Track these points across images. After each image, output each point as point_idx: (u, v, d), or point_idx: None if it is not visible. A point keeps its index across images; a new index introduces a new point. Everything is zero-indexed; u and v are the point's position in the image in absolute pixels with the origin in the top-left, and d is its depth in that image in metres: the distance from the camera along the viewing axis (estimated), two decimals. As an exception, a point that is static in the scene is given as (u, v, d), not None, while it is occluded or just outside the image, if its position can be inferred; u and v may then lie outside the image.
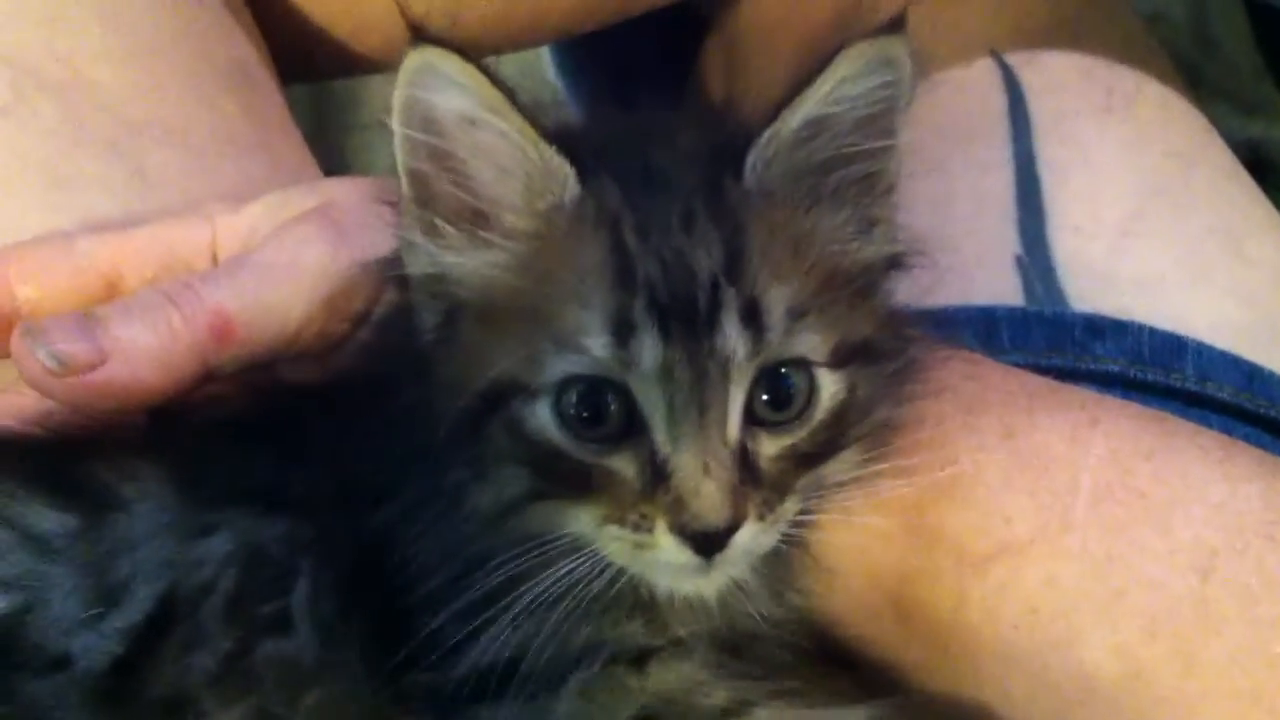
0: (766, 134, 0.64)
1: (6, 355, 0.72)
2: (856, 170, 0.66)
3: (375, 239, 0.68)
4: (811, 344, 0.63)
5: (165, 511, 0.68)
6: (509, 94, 0.62)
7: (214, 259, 0.76)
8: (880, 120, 0.65)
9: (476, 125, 0.63)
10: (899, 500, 0.68)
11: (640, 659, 0.66)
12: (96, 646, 0.65)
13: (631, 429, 0.62)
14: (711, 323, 0.61)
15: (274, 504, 0.68)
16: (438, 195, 0.64)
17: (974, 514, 0.69)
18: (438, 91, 0.62)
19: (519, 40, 1.17)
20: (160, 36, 0.91)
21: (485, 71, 0.62)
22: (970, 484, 0.69)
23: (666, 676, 0.66)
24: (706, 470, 0.61)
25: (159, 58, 0.90)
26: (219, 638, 0.65)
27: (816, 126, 0.64)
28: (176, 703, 0.65)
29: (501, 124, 0.62)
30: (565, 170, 0.63)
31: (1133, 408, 0.74)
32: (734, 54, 1.28)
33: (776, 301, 0.62)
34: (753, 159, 0.64)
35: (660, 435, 0.62)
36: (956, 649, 0.70)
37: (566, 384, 0.62)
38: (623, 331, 0.61)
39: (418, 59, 0.62)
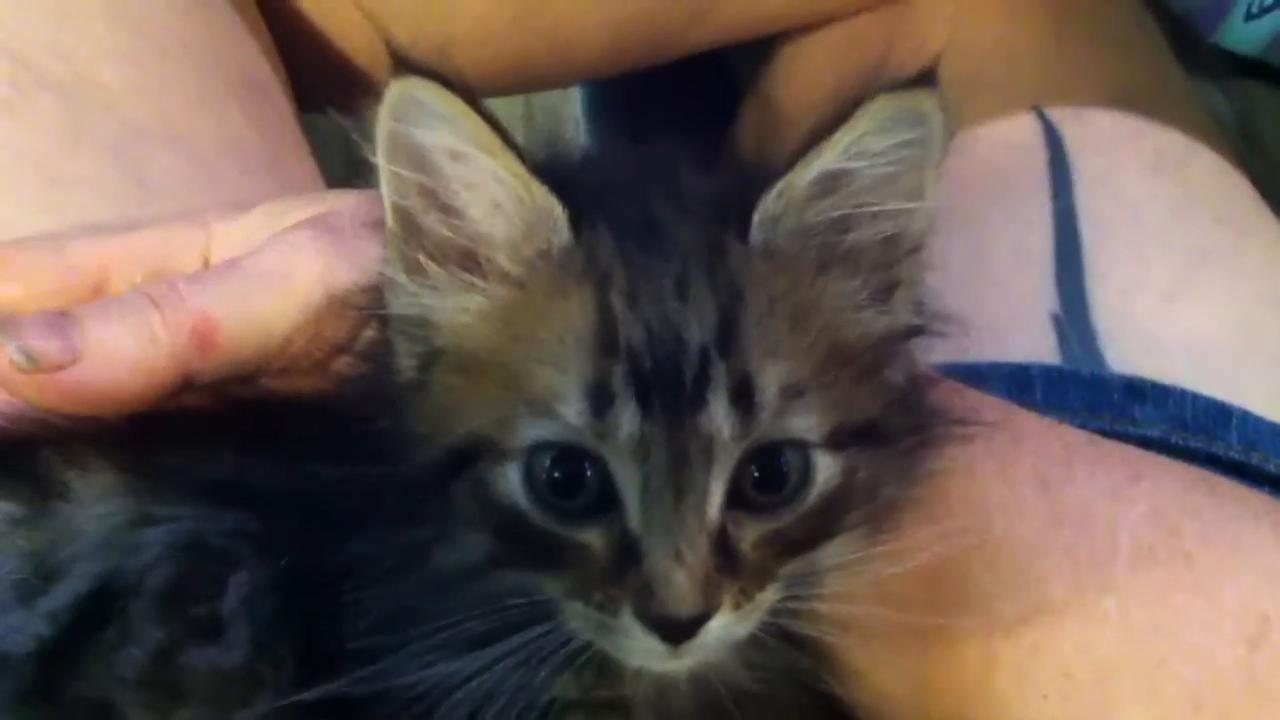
0: (777, 187, 0.59)
1: None
2: (874, 233, 0.61)
3: (374, 252, 0.64)
4: (807, 425, 0.58)
5: (110, 500, 0.64)
6: (498, 128, 0.58)
7: (206, 265, 0.72)
8: (904, 179, 0.60)
9: (463, 161, 0.59)
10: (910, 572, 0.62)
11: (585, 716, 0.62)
12: (23, 627, 0.61)
13: (605, 503, 0.58)
14: (697, 399, 0.57)
15: (227, 500, 0.64)
16: (424, 231, 0.60)
17: (1004, 572, 0.64)
18: (421, 125, 0.58)
19: (547, 78, 1.14)
20: (169, 40, 0.88)
21: (472, 103, 0.58)
22: (1000, 541, 0.65)
23: None
24: (679, 557, 0.56)
25: (166, 61, 0.87)
26: (149, 633, 0.61)
27: (832, 182, 0.59)
28: (103, 705, 0.61)
29: (489, 161, 0.58)
30: (557, 213, 0.59)
31: (1178, 466, 0.70)
32: (768, 115, 1.25)
33: (771, 379, 0.57)
34: (760, 214, 0.59)
35: (633, 515, 0.57)
36: (982, 717, 0.65)
37: (538, 449, 0.58)
38: (600, 400, 0.57)
39: (399, 90, 0.58)
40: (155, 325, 0.66)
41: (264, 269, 0.68)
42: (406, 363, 0.62)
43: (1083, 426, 0.75)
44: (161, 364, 0.66)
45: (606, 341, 0.57)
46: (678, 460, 0.56)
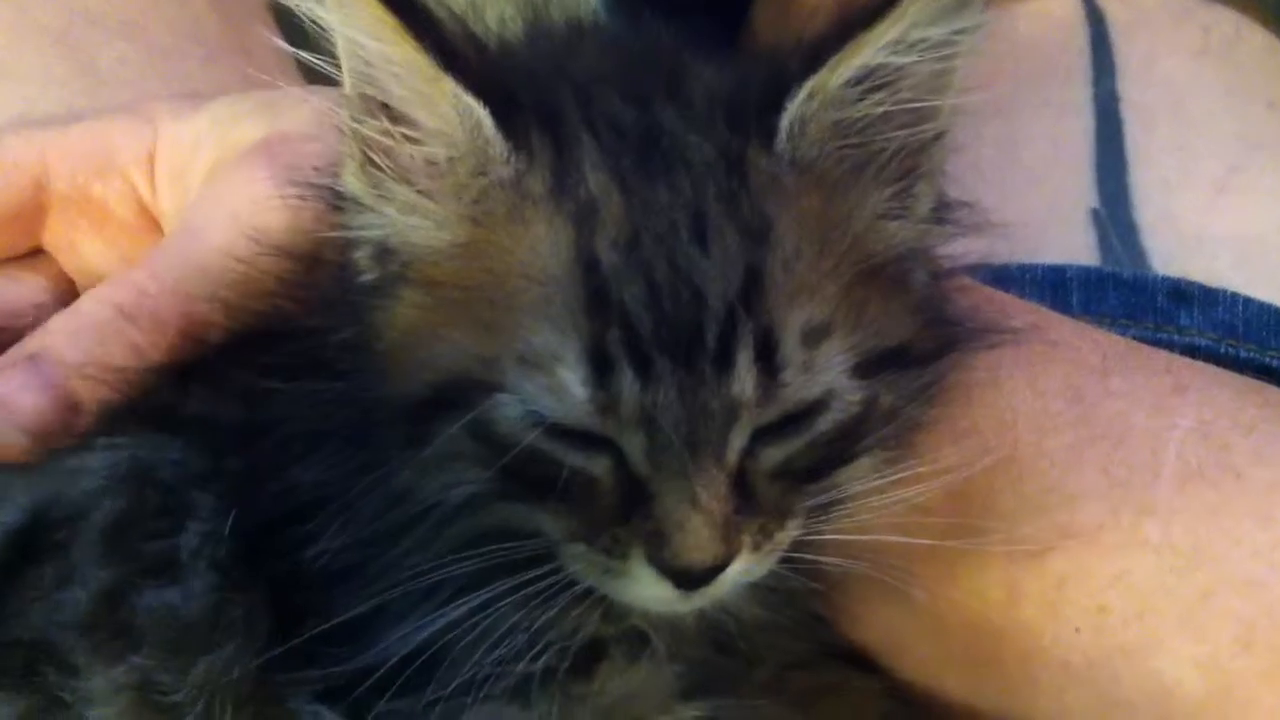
0: (809, 85, 0.52)
1: None
2: (916, 133, 0.55)
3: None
4: (835, 370, 0.52)
5: None
6: (400, 5, 0.50)
7: (151, 170, 0.69)
8: (953, 73, 0.54)
9: (363, 52, 0.52)
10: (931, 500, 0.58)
11: (588, 656, 0.57)
12: None
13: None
14: (722, 359, 0.50)
15: (170, 424, 0.59)
16: (370, 139, 0.54)
17: (1032, 491, 0.60)
18: (329, 4, 0.52)
19: None
20: (121, -80, 0.82)
21: None
22: (1028, 457, 0.60)
23: (617, 683, 0.57)
24: (695, 501, 0.51)
25: (119, -57, 0.81)
26: (95, 570, 0.57)
27: (875, 79, 0.53)
28: (41, 649, 0.56)
29: (383, 49, 0.51)
30: (479, 119, 0.51)
31: (1226, 375, 0.65)
32: (785, 12, 1.18)
33: (794, 327, 0.51)
34: (789, 119, 0.52)
35: (639, 464, 0.52)
36: (1007, 654, 0.61)
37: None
38: (601, 369, 0.51)
39: None
40: (140, 343, 0.63)
41: (220, 234, 0.63)
42: (365, 266, 0.56)
43: (1123, 334, 0.71)
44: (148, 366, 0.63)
45: (597, 296, 0.51)
46: (695, 422, 0.51)
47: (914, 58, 0.53)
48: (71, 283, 0.70)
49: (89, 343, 0.62)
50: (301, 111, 0.66)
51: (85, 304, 0.65)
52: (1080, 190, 0.87)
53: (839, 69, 0.52)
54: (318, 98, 0.64)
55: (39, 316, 0.67)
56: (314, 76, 0.62)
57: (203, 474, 0.58)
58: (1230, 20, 0.94)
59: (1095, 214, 0.86)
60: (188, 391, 0.60)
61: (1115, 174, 0.87)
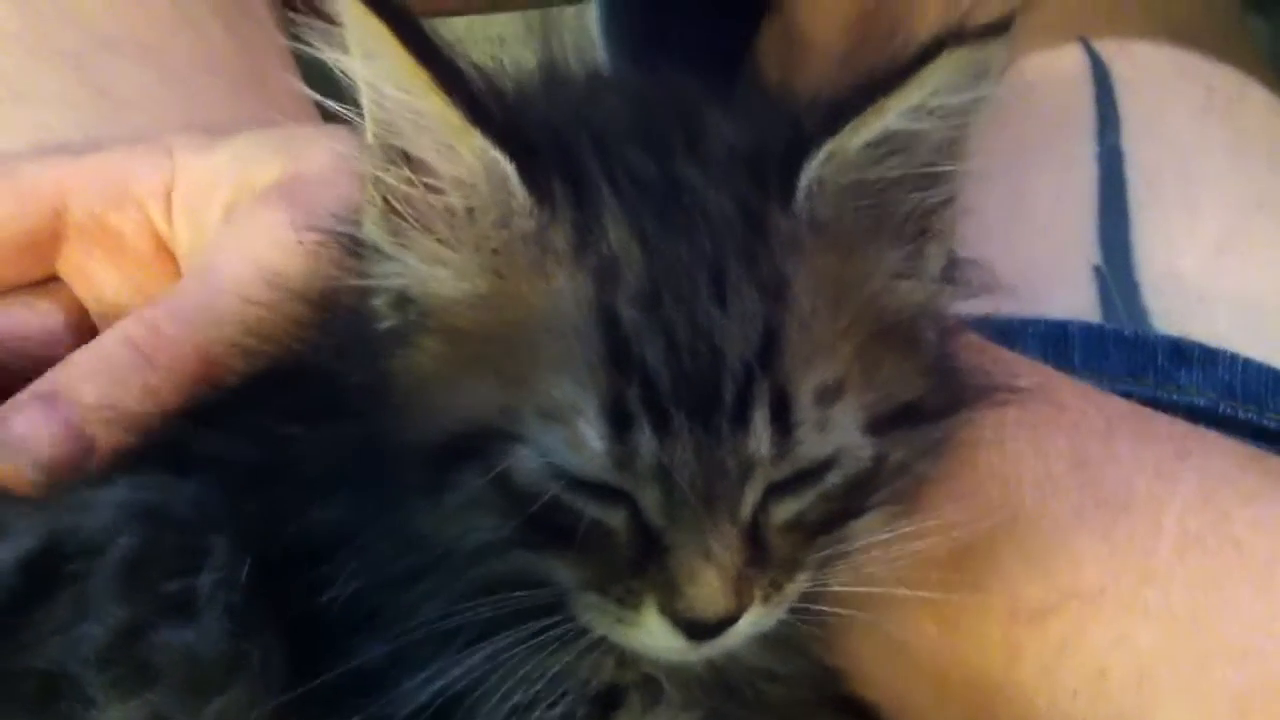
0: (828, 147, 0.52)
1: None
2: (929, 199, 0.55)
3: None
4: (848, 428, 0.53)
5: None
6: (427, 56, 0.50)
7: (168, 203, 0.68)
8: (967, 141, 0.54)
9: (388, 103, 0.52)
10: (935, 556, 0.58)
11: (605, 704, 0.57)
12: None
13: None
14: (738, 418, 0.51)
15: (184, 464, 0.59)
16: (390, 187, 0.54)
17: (1034, 552, 0.60)
18: (354, 54, 0.51)
19: None
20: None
21: (394, 22, 0.50)
22: (1031, 519, 0.60)
23: None
24: (709, 554, 0.51)
25: (137, -32, 0.81)
26: (112, 606, 0.56)
27: (893, 143, 0.53)
28: (57, 680, 0.55)
29: (410, 102, 0.51)
30: (504, 171, 0.51)
31: (1229, 443, 0.65)
32: (790, 37, 1.19)
33: (808, 388, 0.51)
34: (807, 179, 0.52)
35: (655, 516, 0.52)
36: (1005, 716, 0.61)
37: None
38: (620, 423, 0.51)
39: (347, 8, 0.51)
40: (155, 385, 0.62)
41: (239, 277, 0.63)
42: (384, 312, 0.55)
43: (1124, 392, 0.71)
44: (168, 406, 0.63)
45: (617, 351, 0.51)
46: (711, 478, 0.51)
47: (932, 123, 0.53)
48: (85, 311, 0.70)
49: (106, 383, 0.62)
50: (321, 151, 0.66)
51: (105, 341, 0.64)
52: (1084, 245, 0.87)
53: (860, 132, 0.52)
54: (337, 139, 0.64)
55: (52, 343, 0.67)
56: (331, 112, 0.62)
57: (217, 516, 0.58)
58: (1234, 79, 0.95)
59: (1098, 270, 0.86)
60: (202, 432, 0.60)
61: (1118, 230, 0.87)
